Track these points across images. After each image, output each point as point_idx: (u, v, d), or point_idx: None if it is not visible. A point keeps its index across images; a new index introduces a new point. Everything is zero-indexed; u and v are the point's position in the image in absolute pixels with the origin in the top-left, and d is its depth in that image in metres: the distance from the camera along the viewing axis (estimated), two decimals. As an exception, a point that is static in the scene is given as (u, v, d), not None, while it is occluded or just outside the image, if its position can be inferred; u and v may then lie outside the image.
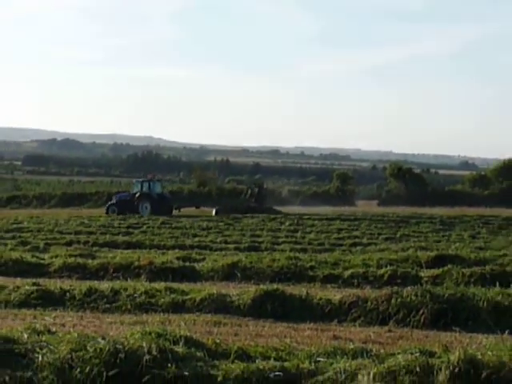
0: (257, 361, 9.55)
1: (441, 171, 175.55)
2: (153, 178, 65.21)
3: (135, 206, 59.65)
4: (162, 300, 16.40)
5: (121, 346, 9.36)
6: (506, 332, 12.14)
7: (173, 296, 16.59)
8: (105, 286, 17.84)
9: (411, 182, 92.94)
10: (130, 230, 41.66)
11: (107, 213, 58.81)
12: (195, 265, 22.60)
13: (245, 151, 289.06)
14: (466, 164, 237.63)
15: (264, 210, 59.53)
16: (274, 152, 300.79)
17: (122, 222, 47.83)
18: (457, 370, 8.30)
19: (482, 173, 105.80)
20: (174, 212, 59.55)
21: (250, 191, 69.93)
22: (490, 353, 8.69)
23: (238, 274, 20.98)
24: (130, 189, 65.54)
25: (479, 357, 8.51)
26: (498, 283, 16.55)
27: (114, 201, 62.71)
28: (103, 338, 9.76)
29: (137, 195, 61.39)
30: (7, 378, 9.24)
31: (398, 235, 39.69)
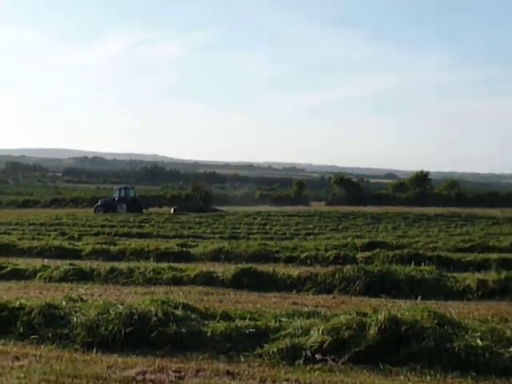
0: (236, 320, 9.60)
1: (371, 180, 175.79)
2: (128, 187, 66.70)
3: (115, 206, 60.27)
4: (166, 276, 16.38)
5: (135, 310, 9.40)
6: (419, 298, 12.27)
7: (173, 273, 16.58)
8: (123, 265, 17.83)
9: (350, 187, 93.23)
10: (142, 224, 41.57)
11: (95, 212, 58.89)
12: (190, 250, 22.61)
13: (227, 165, 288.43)
14: (390, 174, 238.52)
15: (208, 210, 60.42)
16: (249, 166, 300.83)
17: (136, 218, 47.71)
18: (383, 326, 8.34)
19: (402, 181, 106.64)
20: (144, 211, 59.91)
21: (199, 195, 72.97)
22: (407, 313, 8.75)
23: (222, 257, 21.02)
24: (112, 194, 66.27)
25: (399, 316, 8.56)
26: (413, 262, 16.65)
27: (100, 203, 63.13)
28: (122, 304, 9.82)
29: (116, 199, 62.42)
30: (50, 335, 9.30)
31: (340, 227, 39.83)
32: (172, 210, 59.27)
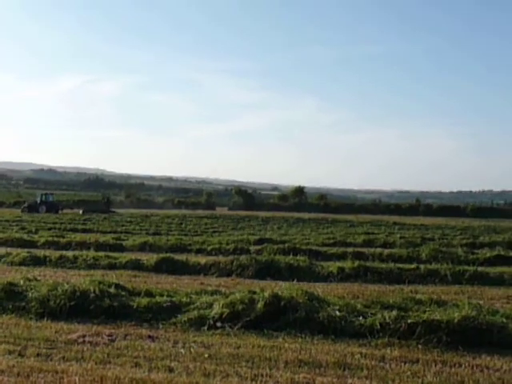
0: (156, 297, 9.50)
1: (263, 192, 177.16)
2: (48, 193, 66.42)
3: (37, 208, 58.92)
4: (103, 262, 16.05)
5: (77, 288, 9.19)
6: (295, 280, 12.42)
7: (109, 260, 16.27)
8: (70, 253, 17.42)
9: (247, 197, 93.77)
10: (86, 222, 40.58)
11: (22, 211, 57.44)
12: (122, 242, 22.23)
13: (153, 178, 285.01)
14: (276, 188, 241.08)
15: (107, 211, 59.76)
16: (170, 179, 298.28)
17: (81, 217, 46.53)
18: (268, 301, 8.41)
19: (284, 193, 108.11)
20: (60, 212, 58.76)
21: (104, 200, 72.91)
22: (286, 291, 8.85)
23: (147, 248, 20.80)
24: (35, 198, 65.51)
25: (280, 294, 8.64)
26: (291, 253, 16.86)
27: (26, 205, 62.12)
28: (67, 284, 9.56)
29: (38, 202, 61.54)
30: (10, 306, 9.00)
31: (238, 227, 39.86)
32: (81, 211, 58.77)
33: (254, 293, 9.00)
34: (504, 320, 7.93)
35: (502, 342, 7.38)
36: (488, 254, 18.42)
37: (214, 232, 33.72)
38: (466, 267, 14.99)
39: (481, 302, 9.25)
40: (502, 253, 18.89)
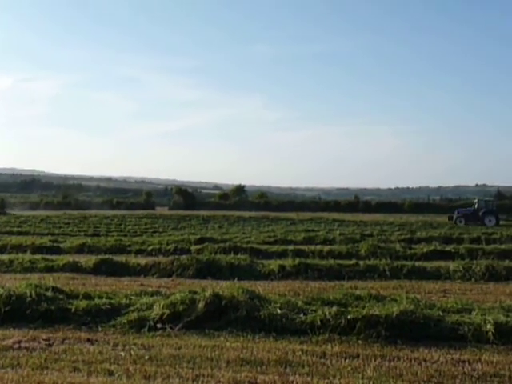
0: (95, 299, 9.33)
1: (204, 191, 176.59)
2: None
3: None
4: (40, 265, 15.67)
5: (13, 292, 8.94)
6: (236, 279, 12.42)
7: (46, 263, 15.89)
8: (5, 257, 16.95)
9: (187, 196, 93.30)
10: (21, 224, 39.52)
11: None
12: (60, 244, 21.75)
13: (91, 178, 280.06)
14: (217, 187, 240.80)
15: (2, 213, 60.35)
16: (109, 179, 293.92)
17: (17, 219, 45.32)
18: (209, 300, 8.38)
19: (225, 192, 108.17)
20: None
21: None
22: (227, 290, 8.83)
23: (86, 250, 20.43)
24: None
25: (221, 293, 8.63)
26: (232, 252, 16.87)
27: None
28: (2, 288, 9.27)
29: None
30: None
31: (179, 226, 39.64)
32: None
33: (195, 293, 8.95)
34: (440, 313, 8.14)
35: (439, 335, 7.58)
36: (425, 249, 18.89)
37: (154, 232, 33.42)
38: (404, 262, 15.36)
39: (418, 296, 9.47)
40: (438, 247, 19.43)
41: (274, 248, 20.04)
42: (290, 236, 27.46)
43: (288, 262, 14.95)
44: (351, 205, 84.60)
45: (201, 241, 23.58)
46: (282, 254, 18.20)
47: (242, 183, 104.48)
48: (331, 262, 15.43)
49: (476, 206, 51.03)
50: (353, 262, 15.34)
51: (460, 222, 48.36)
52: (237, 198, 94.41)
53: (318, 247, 20.06)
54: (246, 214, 60.72)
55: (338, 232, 30.46)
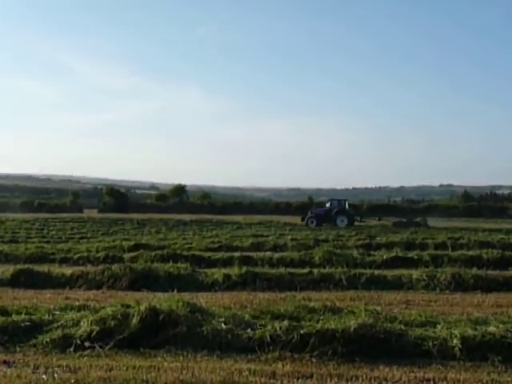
0: (13, 315, 9.13)
1: (138, 191, 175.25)
2: None
3: None
4: None
5: None
6: (175, 290, 12.34)
7: (-45, 274, 15.53)
8: None
9: (119, 197, 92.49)
10: None
11: None
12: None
13: (8, 176, 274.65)
14: (153, 186, 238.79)
15: None
16: (29, 177, 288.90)
17: None
18: (144, 315, 8.30)
19: (163, 192, 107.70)
20: None
21: None
22: (164, 304, 8.77)
23: (2, 258, 20.11)
24: None
25: (158, 306, 8.56)
26: (171, 260, 16.80)
27: None
28: None
29: None
30: None
31: (110, 231, 39.30)
32: None
33: (128, 306, 8.85)
34: (402, 327, 8.26)
35: (401, 351, 7.67)
36: (385, 256, 19.15)
37: (82, 238, 33.00)
38: (362, 270, 15.56)
39: (378, 308, 9.59)
40: (400, 254, 19.71)
41: (219, 255, 20.02)
42: (236, 242, 27.50)
43: (234, 271, 14.98)
44: (304, 207, 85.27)
45: (135, 248, 23.39)
46: (228, 262, 18.20)
47: (182, 182, 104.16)
48: (282, 270, 15.52)
49: (329, 205, 53.07)
50: (306, 270, 15.46)
51: (312, 222, 50.38)
52: (176, 199, 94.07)
53: (268, 254, 20.14)
54: (187, 217, 60.54)
55: (289, 237, 30.70)
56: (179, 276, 14.65)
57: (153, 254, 19.46)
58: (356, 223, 51.96)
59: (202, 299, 10.64)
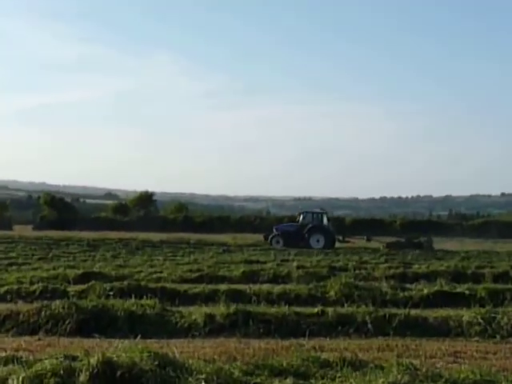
0: None
1: (88, 200, 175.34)
2: None
3: None
4: None
5: None
6: (139, 336, 12.29)
7: None
8: None
9: (62, 209, 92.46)
10: None
11: None
12: None
13: None
14: (109, 194, 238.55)
15: None
16: None
17: None
18: (96, 371, 8.26)
19: (124, 202, 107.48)
20: None
21: None
22: (124, 355, 8.73)
23: None
24: None
25: (115, 358, 8.52)
26: (134, 295, 16.75)
27: None
28: None
29: None
30: None
31: (50, 255, 39.19)
32: None
33: (75, 359, 8.81)
34: (450, 387, 8.23)
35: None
36: (425, 291, 19.12)
37: (11, 265, 32.77)
38: (394, 310, 15.52)
39: (416, 362, 9.55)
40: (446, 288, 19.66)
41: (199, 289, 19.97)
42: (222, 270, 27.45)
43: (219, 310, 14.92)
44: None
45: (85, 277, 23.32)
46: (211, 298, 18.21)
47: (150, 189, 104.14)
48: (284, 309, 15.44)
49: (301, 219, 53.05)
50: (317, 309, 15.41)
51: (277, 243, 50.69)
52: (141, 211, 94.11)
53: (265, 287, 20.12)
54: (156, 236, 60.53)
55: (294, 264, 30.63)
56: (144, 316, 14.61)
57: (108, 286, 19.39)
58: (337, 244, 51.98)
59: (176, 348, 10.60)
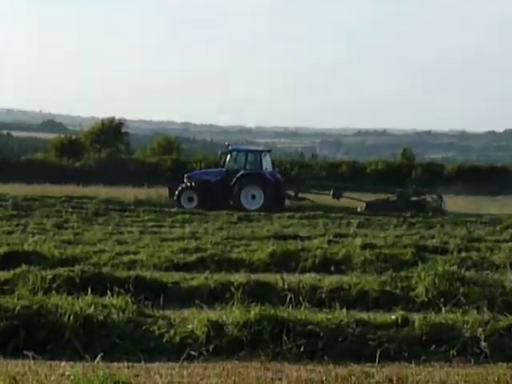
0: None
1: (15, 132, 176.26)
2: None
3: None
4: None
5: None
6: (98, 357, 12.33)
7: None
8: None
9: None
10: None
11: None
12: None
13: None
14: (50, 123, 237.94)
15: None
16: None
17: None
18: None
19: (73, 136, 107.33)
20: None
21: None
22: None
23: None
24: None
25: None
26: (90, 290, 16.79)
27: None
28: None
29: None
30: None
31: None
32: None
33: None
34: None
35: None
36: None
37: None
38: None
39: None
40: None
41: (199, 280, 20.07)
42: (237, 250, 27.52)
43: (232, 316, 14.94)
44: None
45: (9, 261, 23.43)
46: (218, 296, 18.40)
47: (118, 115, 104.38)
48: (341, 315, 15.50)
49: (228, 162, 55.11)
50: (396, 315, 15.47)
51: (190, 200, 51.17)
52: (103, 152, 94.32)
53: (309, 279, 20.19)
54: (128, 192, 60.80)
55: (358, 241, 30.51)
56: (108, 325, 14.66)
57: (49, 274, 19.48)
58: (287, 202, 52.01)
59: (160, 379, 10.66)
